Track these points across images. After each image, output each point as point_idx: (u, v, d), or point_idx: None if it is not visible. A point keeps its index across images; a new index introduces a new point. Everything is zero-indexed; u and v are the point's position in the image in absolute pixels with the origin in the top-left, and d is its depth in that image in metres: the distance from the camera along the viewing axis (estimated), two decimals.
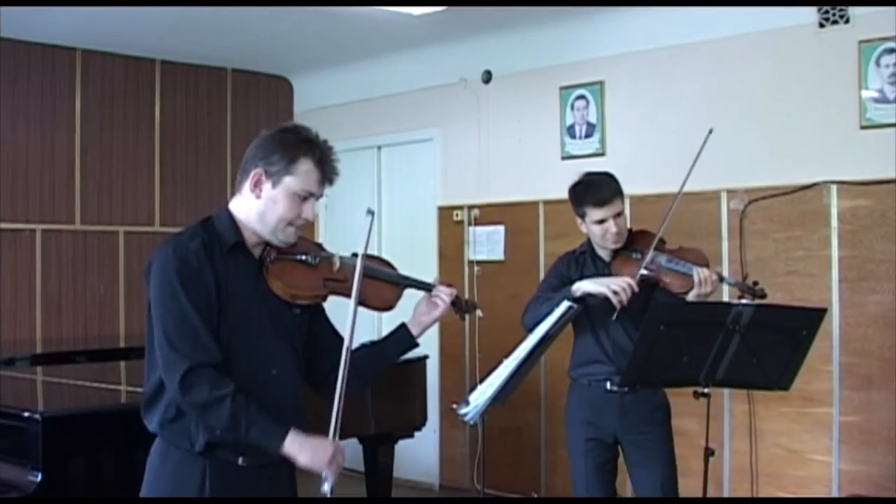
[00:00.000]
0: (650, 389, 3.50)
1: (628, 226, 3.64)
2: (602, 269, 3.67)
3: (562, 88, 5.91)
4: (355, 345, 2.55)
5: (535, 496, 5.98)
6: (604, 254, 3.69)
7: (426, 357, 5.21)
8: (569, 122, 5.90)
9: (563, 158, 5.92)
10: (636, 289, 3.38)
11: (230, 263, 2.36)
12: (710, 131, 3.49)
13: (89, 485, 3.32)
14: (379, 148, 7.05)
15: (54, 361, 5.20)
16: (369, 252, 2.56)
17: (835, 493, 4.76)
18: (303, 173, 2.38)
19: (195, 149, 6.95)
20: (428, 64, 6.52)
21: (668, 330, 3.04)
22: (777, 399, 4.65)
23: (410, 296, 2.77)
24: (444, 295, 2.65)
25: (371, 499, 5.01)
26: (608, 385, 3.54)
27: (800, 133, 4.94)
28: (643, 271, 3.46)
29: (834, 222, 4.80)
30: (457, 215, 6.46)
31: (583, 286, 3.48)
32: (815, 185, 4.85)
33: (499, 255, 6.24)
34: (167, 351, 2.26)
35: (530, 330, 3.64)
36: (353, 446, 5.12)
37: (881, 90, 4.64)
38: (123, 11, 5.45)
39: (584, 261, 3.74)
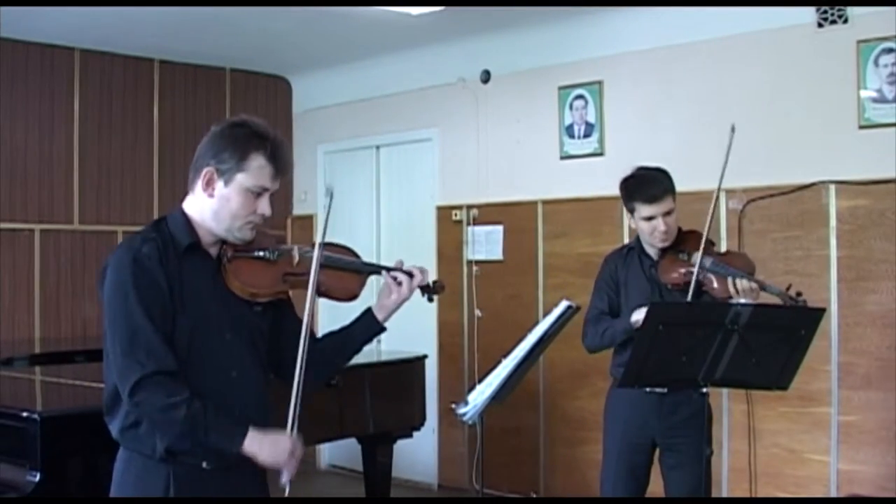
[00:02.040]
0: (690, 392, 3.41)
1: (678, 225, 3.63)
2: (649, 267, 3.66)
3: (560, 88, 5.91)
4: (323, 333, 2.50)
5: (534, 496, 5.98)
6: (652, 252, 3.66)
7: (425, 357, 5.22)
8: (567, 121, 5.90)
9: (562, 158, 5.93)
10: None
11: (186, 265, 2.31)
12: (733, 129, 3.47)
13: (88, 485, 3.33)
14: (378, 148, 7.05)
15: (53, 361, 5.20)
16: (333, 241, 2.52)
17: (833, 493, 4.76)
18: (255, 169, 2.32)
19: (194, 149, 6.87)
20: (427, 64, 6.52)
21: (667, 330, 3.04)
22: (776, 399, 4.65)
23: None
24: (402, 276, 2.54)
25: (370, 499, 5.01)
26: (649, 387, 3.49)
27: (798, 133, 4.94)
28: (693, 273, 3.46)
29: (833, 222, 4.80)
30: (456, 215, 6.46)
31: (642, 318, 3.40)
32: (813, 184, 4.86)
33: (498, 254, 6.24)
34: (119, 359, 2.23)
35: (592, 351, 3.71)
36: (352, 446, 5.13)
37: (880, 90, 4.64)
38: (122, 11, 5.45)
39: (632, 259, 3.72)
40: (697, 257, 3.50)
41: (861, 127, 4.70)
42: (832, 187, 4.80)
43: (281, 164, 2.37)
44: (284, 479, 2.34)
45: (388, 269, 2.58)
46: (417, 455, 6.29)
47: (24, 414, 3.40)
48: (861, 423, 4.69)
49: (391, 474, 5.05)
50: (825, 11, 4.80)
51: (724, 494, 5.12)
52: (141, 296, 2.23)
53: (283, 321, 2.50)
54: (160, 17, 5.59)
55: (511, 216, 6.16)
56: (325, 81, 7.23)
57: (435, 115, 6.59)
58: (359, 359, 5.29)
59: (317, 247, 2.40)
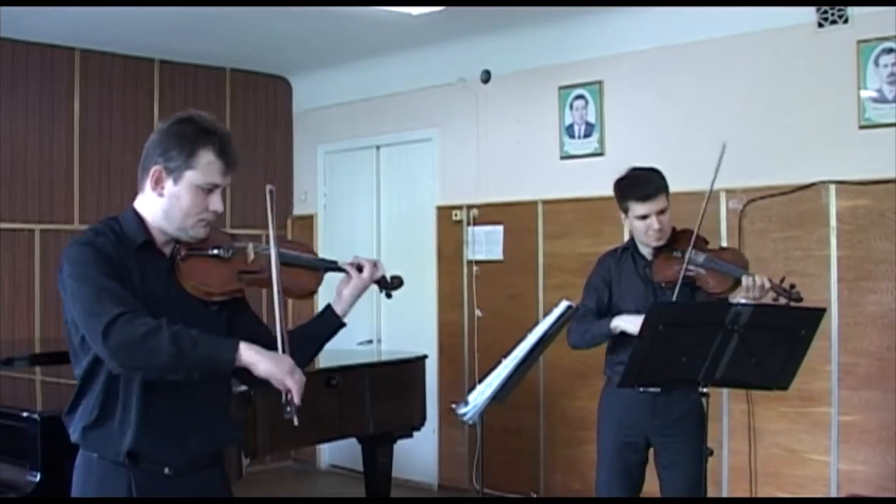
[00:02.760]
0: (684, 392, 3.45)
1: (672, 224, 3.64)
2: (643, 268, 3.67)
3: (561, 88, 5.91)
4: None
5: (534, 496, 5.99)
6: (646, 252, 3.68)
7: (425, 357, 5.22)
8: (568, 121, 5.90)
9: (562, 158, 5.93)
10: None
11: (140, 264, 2.27)
12: (724, 147, 3.48)
13: None
14: (378, 148, 7.05)
15: (53, 361, 5.19)
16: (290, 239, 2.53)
17: (833, 493, 4.76)
18: (204, 166, 2.27)
19: None
20: (427, 64, 6.52)
21: (667, 330, 3.04)
22: (776, 399, 4.65)
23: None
24: (352, 269, 2.50)
25: (370, 499, 5.02)
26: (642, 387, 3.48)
27: (798, 133, 4.95)
28: (688, 271, 3.48)
29: (833, 222, 4.80)
30: (456, 215, 6.46)
31: (621, 325, 3.54)
32: (813, 184, 4.86)
33: (498, 254, 6.24)
34: (88, 318, 2.15)
35: (576, 348, 3.76)
36: (352, 446, 5.13)
37: (880, 90, 4.65)
38: (122, 11, 5.45)
39: (626, 259, 3.73)
40: (690, 254, 3.51)
41: (861, 127, 4.70)
42: (832, 187, 4.80)
43: (230, 158, 2.32)
44: (291, 404, 2.21)
45: (340, 265, 2.56)
46: (417, 455, 6.29)
47: (25, 414, 3.41)
48: (861, 423, 4.69)
49: (391, 474, 5.05)
50: (825, 11, 4.80)
51: (724, 494, 5.12)
52: (102, 268, 2.18)
53: (240, 321, 2.46)
54: (160, 17, 5.59)
55: (511, 216, 6.16)
56: (325, 81, 7.24)
57: (435, 115, 6.59)
58: (359, 359, 5.34)
59: (272, 241, 2.36)
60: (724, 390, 4.97)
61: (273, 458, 6.78)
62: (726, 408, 5.09)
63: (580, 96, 5.83)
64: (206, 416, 2.35)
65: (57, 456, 3.32)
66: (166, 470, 2.29)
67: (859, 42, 4.68)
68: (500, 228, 6.23)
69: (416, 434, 5.13)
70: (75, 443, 2.34)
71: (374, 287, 2.59)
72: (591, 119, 5.78)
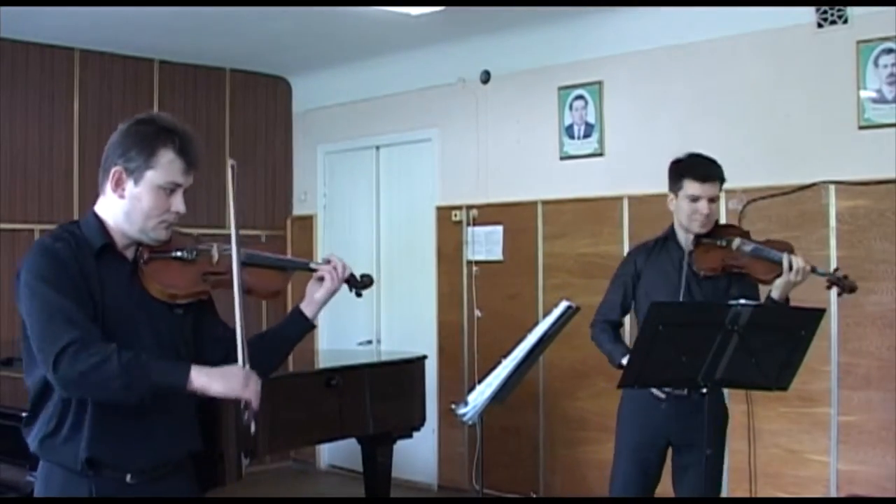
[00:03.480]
0: (711, 395, 3.34)
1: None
2: (678, 260, 3.63)
3: (560, 88, 5.91)
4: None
5: (534, 496, 5.98)
6: (683, 240, 3.64)
7: (425, 357, 5.22)
8: (567, 122, 5.90)
9: (562, 158, 5.93)
10: None
11: (101, 269, 2.23)
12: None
13: None
14: (377, 148, 7.04)
15: None
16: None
17: (833, 494, 4.76)
18: (164, 165, 2.24)
19: None
20: (426, 64, 6.52)
21: (666, 330, 3.04)
22: (776, 399, 4.64)
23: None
24: (326, 272, 2.46)
25: (370, 499, 5.01)
26: (664, 388, 3.48)
27: (798, 133, 4.95)
28: (736, 260, 3.51)
29: (832, 222, 4.80)
30: (455, 215, 6.46)
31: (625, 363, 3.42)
32: (813, 185, 4.86)
33: (497, 255, 6.24)
34: (40, 342, 2.13)
35: (593, 339, 3.78)
36: (352, 446, 5.13)
37: (879, 90, 4.64)
38: (122, 11, 5.45)
39: (661, 250, 3.71)
40: (737, 243, 3.53)
41: (861, 127, 4.70)
42: (832, 187, 4.80)
43: (191, 157, 2.28)
44: (249, 411, 2.21)
45: (311, 265, 2.53)
46: (417, 455, 6.29)
47: (24, 414, 3.40)
48: (861, 424, 4.69)
49: (391, 474, 5.05)
50: (825, 11, 4.80)
51: (724, 494, 5.11)
52: (55, 281, 2.15)
53: (205, 324, 2.43)
54: (160, 17, 5.59)
55: (511, 216, 6.16)
56: (325, 81, 7.23)
57: (435, 116, 6.59)
58: (359, 359, 5.33)
59: (233, 228, 2.33)
60: (725, 390, 4.95)
61: (273, 458, 6.78)
62: None
63: (580, 96, 5.83)
64: (167, 422, 2.30)
65: None
66: (128, 478, 2.25)
67: (859, 42, 4.68)
68: (499, 229, 6.23)
69: (415, 434, 5.13)
70: (34, 453, 2.31)
71: (344, 287, 2.55)
72: (591, 119, 5.78)
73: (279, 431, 4.30)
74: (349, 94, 7.08)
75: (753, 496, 5.00)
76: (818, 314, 3.19)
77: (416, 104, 6.69)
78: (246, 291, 2.37)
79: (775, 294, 3.45)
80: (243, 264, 2.35)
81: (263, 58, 6.92)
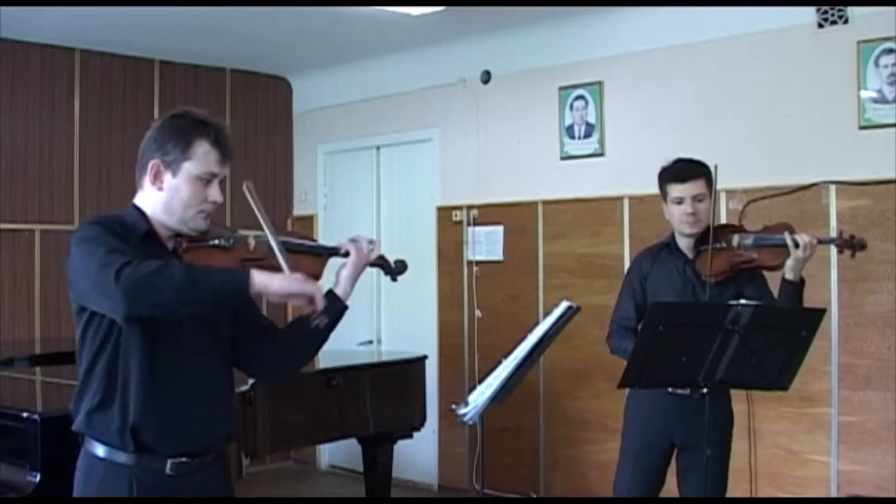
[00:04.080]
0: (716, 395, 3.39)
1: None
2: (682, 265, 3.63)
3: (561, 89, 5.91)
4: None
5: (534, 496, 5.99)
6: (684, 245, 3.64)
7: (425, 357, 5.22)
8: (568, 122, 5.90)
9: (562, 159, 5.93)
10: None
11: (145, 254, 2.25)
12: (716, 168, 3.49)
13: None
14: (378, 148, 7.05)
15: (53, 362, 5.20)
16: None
17: (833, 494, 4.76)
18: (200, 156, 2.33)
19: None
20: (427, 64, 6.52)
21: (666, 330, 3.04)
22: (776, 399, 4.64)
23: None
24: (350, 247, 2.51)
25: (370, 499, 5.02)
26: (670, 388, 3.47)
27: (798, 133, 4.95)
28: (740, 256, 3.49)
29: (833, 222, 4.80)
30: (456, 215, 6.46)
31: None
32: (813, 185, 4.86)
33: (498, 255, 6.24)
34: (98, 271, 2.13)
35: (614, 352, 3.70)
36: (352, 446, 5.13)
37: (880, 90, 4.65)
38: (122, 12, 5.45)
39: (664, 256, 3.70)
40: (736, 239, 3.52)
41: (861, 127, 4.70)
42: (832, 188, 4.80)
43: (226, 148, 2.37)
44: (318, 306, 2.23)
45: (340, 250, 2.56)
46: (418, 455, 6.29)
47: (25, 414, 3.41)
48: (861, 424, 4.69)
49: (391, 475, 5.05)
50: (825, 12, 4.80)
51: (725, 494, 5.11)
52: (109, 238, 2.21)
53: (243, 314, 2.47)
54: (160, 17, 5.59)
55: (511, 217, 6.16)
56: (325, 81, 7.23)
57: (435, 116, 6.59)
58: (359, 359, 5.33)
59: (266, 226, 2.36)
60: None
61: (273, 458, 6.77)
62: None
63: (580, 97, 5.83)
64: (209, 402, 2.36)
65: (57, 456, 3.32)
66: (168, 468, 2.30)
67: (859, 42, 4.68)
68: (500, 229, 6.23)
69: (416, 434, 5.13)
70: (77, 431, 2.35)
71: (380, 278, 2.60)
72: (591, 119, 5.78)
73: (279, 431, 4.30)
74: (349, 94, 7.08)
75: (753, 496, 5.00)
76: (818, 314, 3.19)
77: (417, 104, 6.69)
78: None
79: (789, 276, 3.43)
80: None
81: (263, 58, 6.92)
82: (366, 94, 6.98)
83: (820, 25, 4.84)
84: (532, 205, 6.05)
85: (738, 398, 5.00)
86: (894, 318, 4.60)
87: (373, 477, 4.98)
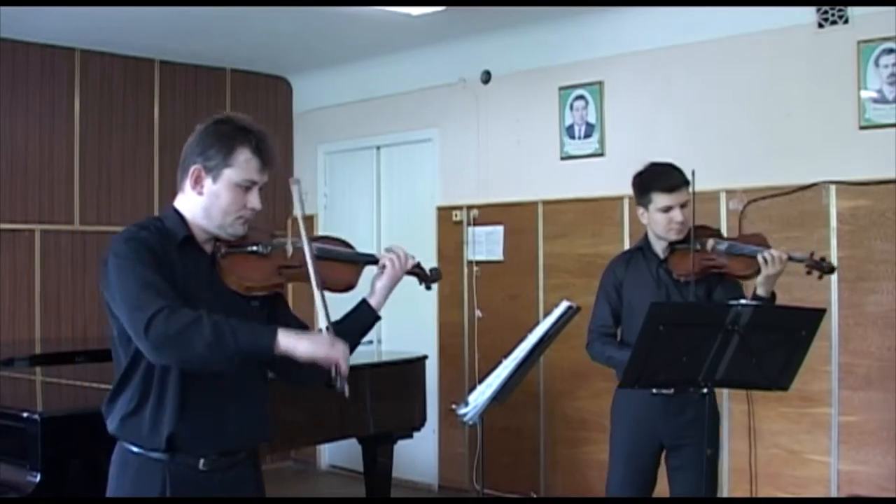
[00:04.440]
0: (699, 396, 3.40)
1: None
2: (655, 267, 3.65)
3: (561, 88, 5.91)
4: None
5: (534, 496, 5.99)
6: (659, 248, 3.65)
7: (425, 357, 5.22)
8: (568, 122, 5.90)
9: (563, 159, 5.93)
10: None
11: (182, 260, 2.32)
12: (693, 173, 3.48)
13: (88, 485, 3.33)
14: (378, 148, 7.05)
15: (54, 362, 5.20)
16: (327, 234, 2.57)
17: (833, 494, 4.76)
18: (242, 163, 2.34)
19: None
20: (427, 64, 6.52)
21: (667, 330, 3.03)
22: (776, 399, 4.65)
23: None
24: (387, 259, 2.54)
25: (370, 499, 5.01)
26: (654, 389, 3.47)
27: (799, 133, 4.94)
28: (712, 260, 3.49)
29: (833, 222, 4.80)
30: (456, 215, 6.46)
31: None
32: (814, 185, 4.86)
33: (498, 255, 6.24)
34: (131, 313, 2.17)
35: (596, 359, 3.74)
36: (352, 446, 5.13)
37: (880, 90, 4.64)
38: (122, 12, 5.45)
39: (637, 261, 3.71)
40: (711, 243, 3.53)
41: (861, 127, 4.70)
42: (832, 188, 4.80)
43: (267, 156, 2.39)
44: (341, 377, 2.23)
45: (377, 257, 2.60)
46: (418, 455, 6.29)
47: (25, 414, 3.40)
48: (861, 424, 4.69)
49: (391, 475, 5.05)
50: (825, 11, 4.80)
51: (725, 495, 5.12)
52: (144, 262, 2.22)
53: (279, 318, 2.49)
54: (160, 17, 5.59)
55: (511, 216, 6.16)
56: (325, 81, 7.23)
57: (435, 116, 6.59)
58: (359, 359, 5.32)
59: (302, 229, 2.39)
60: (724, 390, 4.97)
61: (273, 458, 6.78)
62: (726, 408, 5.08)
63: (580, 97, 5.83)
64: (243, 408, 2.38)
65: (57, 456, 3.32)
66: (201, 464, 2.32)
67: (859, 42, 4.68)
68: (500, 229, 6.23)
69: (416, 434, 5.13)
70: (112, 434, 2.36)
71: (412, 281, 2.63)
72: (592, 119, 5.78)
73: (280, 431, 4.28)
74: (349, 94, 7.08)
75: (754, 496, 5.01)
76: (818, 314, 3.19)
77: (417, 104, 6.69)
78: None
79: (760, 291, 3.46)
80: (316, 258, 2.41)
81: (263, 58, 6.92)
82: (366, 93, 6.98)
83: (820, 25, 4.84)
84: (532, 205, 6.05)
85: (738, 398, 5.03)
86: (894, 318, 4.60)
87: (373, 477, 4.97)
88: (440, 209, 6.58)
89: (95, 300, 6.39)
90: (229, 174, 2.33)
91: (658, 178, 3.59)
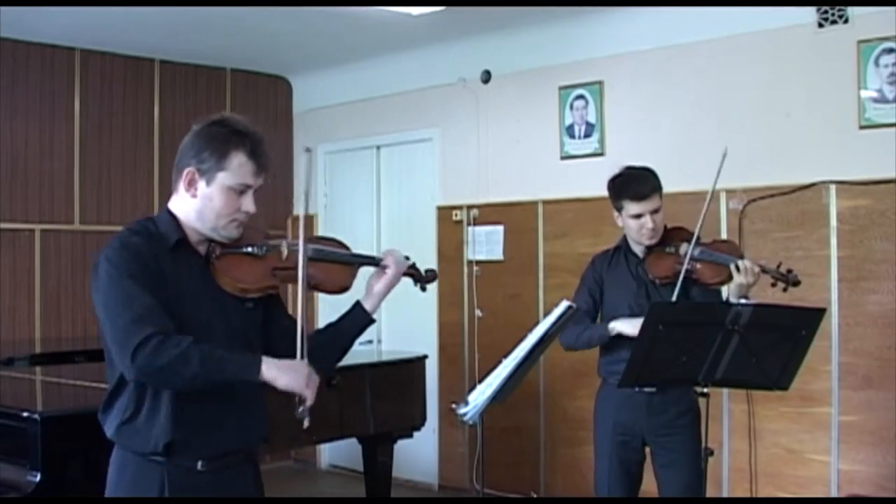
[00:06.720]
0: (680, 391, 3.49)
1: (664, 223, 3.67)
2: (635, 265, 3.70)
3: (561, 88, 5.91)
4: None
5: (534, 496, 5.99)
6: (638, 250, 3.70)
7: (425, 357, 5.22)
8: (568, 121, 5.90)
9: (563, 158, 5.93)
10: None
11: (176, 262, 2.31)
12: (725, 153, 3.48)
13: (88, 485, 3.33)
14: (378, 148, 7.05)
15: (53, 361, 5.20)
16: (325, 235, 2.55)
17: (834, 493, 4.76)
18: (236, 167, 2.32)
19: None
20: (427, 64, 6.52)
21: (667, 330, 3.04)
22: (776, 399, 4.65)
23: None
24: (388, 262, 2.55)
25: (370, 499, 5.01)
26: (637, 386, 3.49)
27: (799, 133, 4.95)
28: (681, 265, 3.50)
29: (833, 222, 4.80)
30: (456, 215, 6.46)
31: (618, 327, 3.56)
32: (814, 184, 4.86)
33: (498, 255, 6.24)
34: (118, 332, 2.18)
35: (568, 349, 3.78)
36: (352, 446, 5.13)
37: (880, 90, 4.64)
38: (123, 11, 5.45)
39: (618, 259, 3.77)
40: (684, 248, 3.55)
41: (861, 127, 4.70)
42: (832, 187, 4.80)
43: (262, 160, 2.36)
44: (301, 410, 2.32)
45: (375, 260, 2.60)
46: (418, 455, 6.29)
47: (25, 414, 3.41)
48: (861, 424, 4.69)
49: (391, 474, 5.05)
50: (825, 11, 4.80)
51: (725, 494, 5.12)
52: (133, 274, 2.21)
53: (274, 318, 2.50)
54: (160, 17, 5.59)
55: (511, 216, 6.16)
56: (325, 81, 7.23)
57: (435, 115, 6.59)
58: (359, 359, 5.33)
59: (300, 229, 2.39)
60: (724, 390, 4.97)
61: (273, 458, 6.78)
62: (726, 408, 5.09)
63: (580, 96, 5.83)
64: (240, 408, 2.38)
65: (57, 456, 3.32)
66: (200, 466, 2.32)
67: (859, 42, 4.68)
68: (500, 228, 6.23)
69: (416, 434, 5.13)
70: (110, 439, 2.36)
71: (408, 281, 2.63)
72: (592, 119, 5.78)
73: (279, 431, 4.28)
74: (349, 94, 7.08)
75: (754, 496, 5.01)
76: (818, 314, 3.20)
77: (417, 104, 6.69)
78: (314, 286, 2.46)
79: (732, 298, 3.47)
80: (310, 259, 2.42)
81: (263, 58, 6.92)
82: (366, 93, 6.98)
83: (820, 25, 4.84)
84: (532, 204, 6.05)
85: (738, 398, 5.03)
86: (894, 318, 4.60)
87: (373, 477, 4.97)
88: (440, 209, 6.58)
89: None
90: (223, 178, 2.31)
91: (628, 186, 3.63)
